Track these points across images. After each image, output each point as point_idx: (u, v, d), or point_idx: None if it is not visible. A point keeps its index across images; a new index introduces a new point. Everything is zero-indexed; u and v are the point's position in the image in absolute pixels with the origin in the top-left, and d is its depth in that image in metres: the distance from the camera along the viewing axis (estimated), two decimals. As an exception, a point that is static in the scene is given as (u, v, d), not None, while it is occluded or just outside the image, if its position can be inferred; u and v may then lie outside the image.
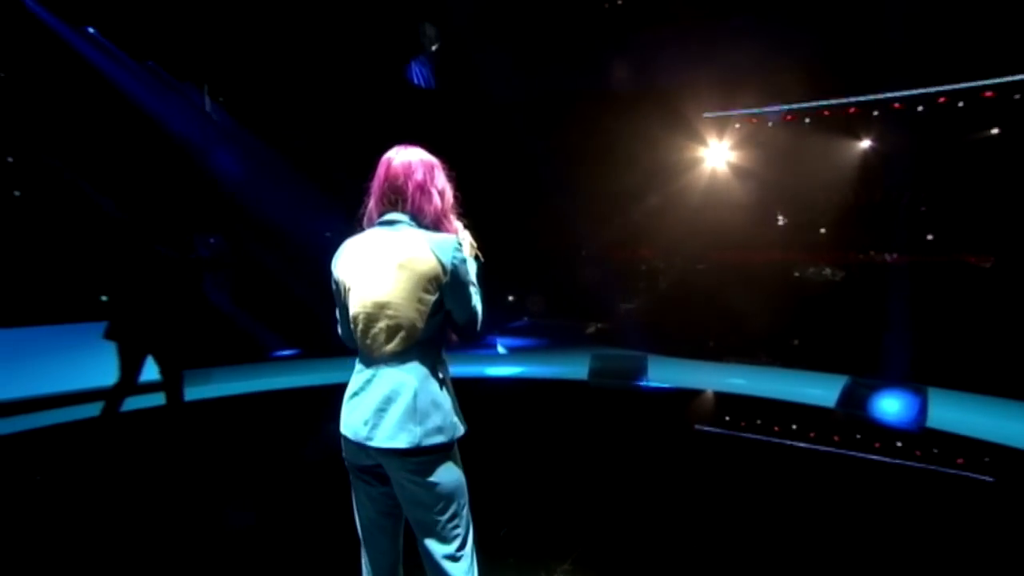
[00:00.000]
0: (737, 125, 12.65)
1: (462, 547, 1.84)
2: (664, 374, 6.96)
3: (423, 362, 1.79)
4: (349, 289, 1.83)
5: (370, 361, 1.82)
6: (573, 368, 7.23)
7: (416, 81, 11.47)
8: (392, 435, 1.74)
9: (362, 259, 1.82)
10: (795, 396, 6.21)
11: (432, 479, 1.78)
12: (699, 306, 10.82)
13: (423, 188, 1.84)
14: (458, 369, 6.93)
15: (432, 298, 1.77)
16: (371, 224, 1.87)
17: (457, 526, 1.83)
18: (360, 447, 1.81)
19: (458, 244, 1.82)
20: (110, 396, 4.21)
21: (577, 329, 11.04)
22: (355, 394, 1.84)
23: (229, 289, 10.36)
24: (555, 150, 11.20)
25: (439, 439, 1.76)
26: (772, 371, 7.77)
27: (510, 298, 13.38)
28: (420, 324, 1.77)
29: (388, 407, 1.75)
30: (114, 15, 7.93)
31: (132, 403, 4.47)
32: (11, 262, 6.88)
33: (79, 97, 7.66)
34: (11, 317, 6.54)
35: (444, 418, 1.78)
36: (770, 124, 11.36)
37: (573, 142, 11.42)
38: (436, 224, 1.87)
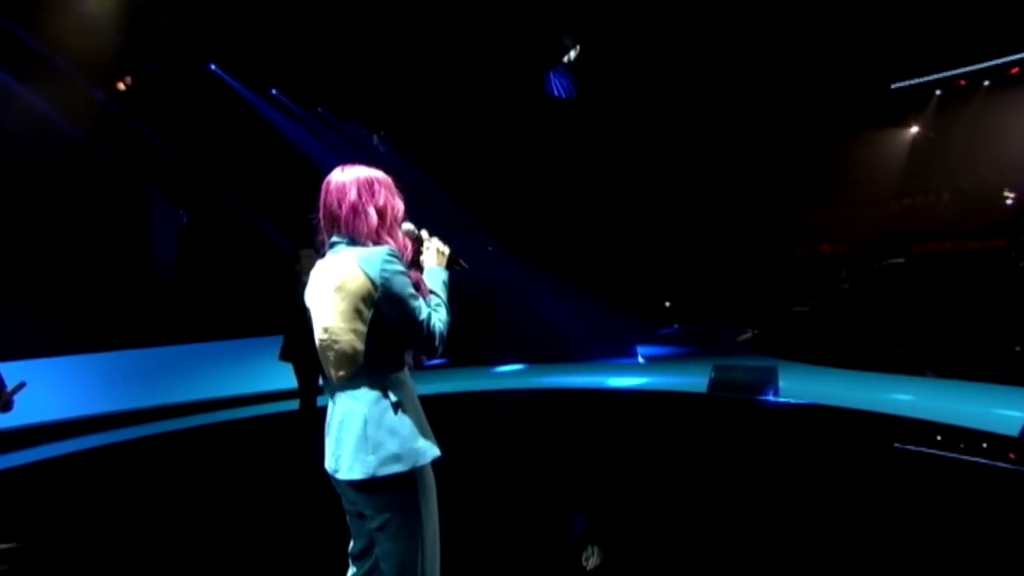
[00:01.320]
0: (938, 91, 10.69)
1: (407, 560, 1.72)
2: (816, 387, 6.12)
3: (372, 387, 1.71)
4: (312, 320, 1.86)
5: (331, 390, 1.81)
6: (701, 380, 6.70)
7: (556, 93, 11.62)
8: (350, 466, 1.67)
9: (313, 288, 1.83)
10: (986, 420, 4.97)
11: (388, 512, 1.69)
12: (890, 308, 9.28)
13: (355, 208, 1.76)
14: (578, 379, 6.93)
15: (369, 316, 1.69)
16: (324, 251, 1.85)
17: (416, 559, 1.71)
18: (334, 479, 1.79)
19: (388, 255, 1.71)
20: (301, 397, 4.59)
21: (733, 336, 10.13)
22: (327, 425, 1.81)
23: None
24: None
25: (396, 468, 1.66)
26: (956, 385, 6.33)
27: (666, 304, 12.77)
28: (360, 346, 1.70)
29: (343, 436, 1.71)
30: (288, 75, 9.38)
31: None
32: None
33: (255, 145, 9.19)
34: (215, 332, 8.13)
35: (401, 444, 1.67)
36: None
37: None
38: (375, 242, 1.77)
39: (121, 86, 8.38)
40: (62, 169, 7.41)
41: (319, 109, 10.43)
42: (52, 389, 6.44)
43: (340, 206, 1.77)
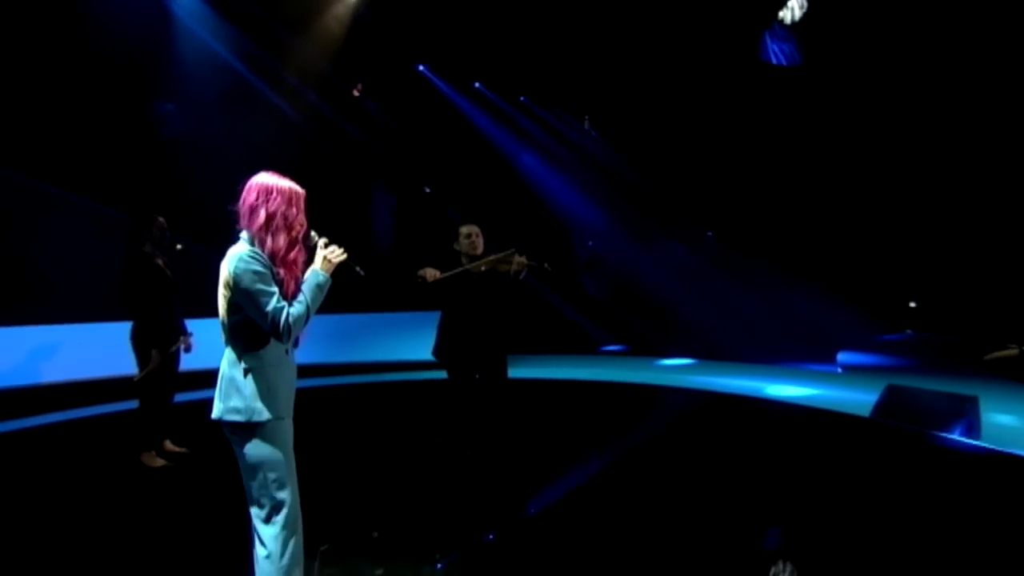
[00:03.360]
0: None
1: (273, 515, 2.12)
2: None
3: (233, 351, 2.12)
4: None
5: None
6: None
7: (775, 60, 10.31)
8: (213, 407, 2.12)
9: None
10: None
11: (240, 450, 2.11)
12: None
13: (252, 208, 2.11)
14: (736, 383, 6.33)
15: (229, 298, 2.08)
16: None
17: (265, 495, 2.11)
18: None
19: (247, 255, 2.05)
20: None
21: (985, 351, 7.97)
22: None
23: (606, 286, 11.69)
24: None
25: (236, 417, 2.07)
26: None
27: (911, 304, 10.55)
28: (225, 320, 2.12)
29: (217, 385, 2.14)
30: (491, 67, 10.08)
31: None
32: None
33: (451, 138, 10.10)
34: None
35: (243, 401, 2.07)
36: None
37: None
38: (259, 240, 2.11)
39: (355, 92, 10.03)
40: (307, 165, 9.30)
41: (521, 99, 11.01)
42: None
43: (243, 203, 2.14)
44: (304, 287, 2.15)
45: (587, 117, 11.58)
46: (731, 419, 5.85)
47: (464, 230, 4.08)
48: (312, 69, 8.86)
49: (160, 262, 4.31)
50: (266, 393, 2.09)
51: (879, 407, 5.15)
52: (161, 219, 4.36)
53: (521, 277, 3.94)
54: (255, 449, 2.09)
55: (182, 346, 4.49)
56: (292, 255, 2.16)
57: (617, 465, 4.34)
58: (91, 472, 4.31)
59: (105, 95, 7.76)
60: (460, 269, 3.88)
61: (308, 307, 2.12)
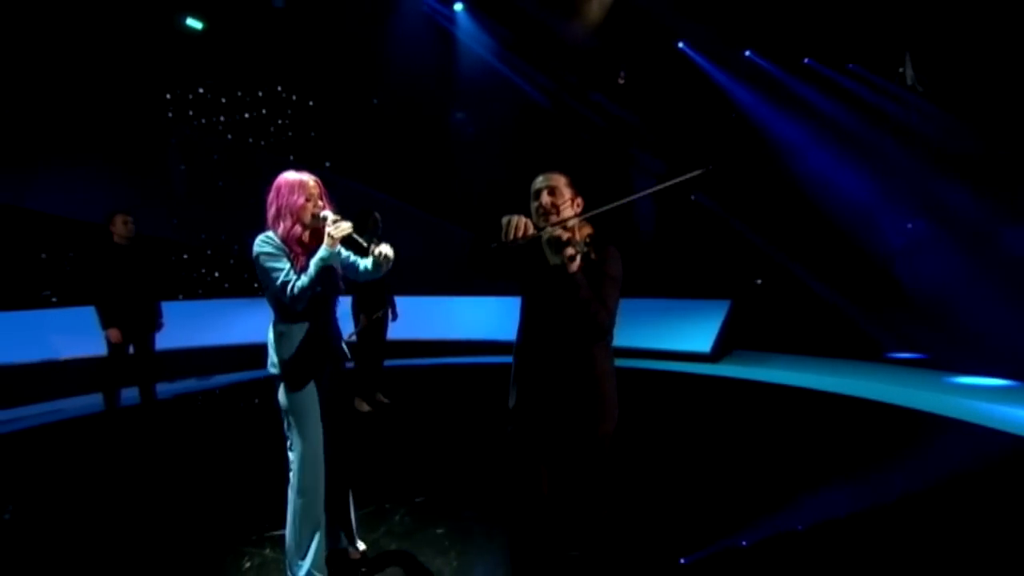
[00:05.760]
0: None
1: (292, 451, 2.62)
2: None
3: (273, 320, 2.62)
4: None
5: None
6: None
7: None
8: None
9: None
10: None
11: (276, 396, 2.61)
12: None
13: (267, 204, 2.61)
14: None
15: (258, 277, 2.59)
16: None
17: (291, 435, 2.61)
18: None
19: (261, 240, 2.53)
20: None
21: None
22: None
23: (925, 279, 9.51)
24: None
25: (272, 370, 2.60)
26: None
27: None
28: (263, 295, 2.65)
29: None
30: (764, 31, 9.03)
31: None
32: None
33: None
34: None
35: (278, 358, 2.57)
36: None
37: None
38: (274, 228, 2.56)
39: (620, 80, 10.18)
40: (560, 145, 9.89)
41: (806, 61, 9.49)
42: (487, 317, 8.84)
43: (265, 199, 2.70)
44: (311, 261, 2.50)
45: (908, 60, 9.24)
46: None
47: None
48: (576, 59, 9.41)
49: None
50: (298, 355, 2.55)
51: None
52: (376, 214, 5.35)
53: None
54: (282, 397, 2.60)
55: (389, 317, 5.52)
56: (300, 235, 2.57)
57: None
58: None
59: (406, 109, 9.78)
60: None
61: (311, 278, 2.47)
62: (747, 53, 9.41)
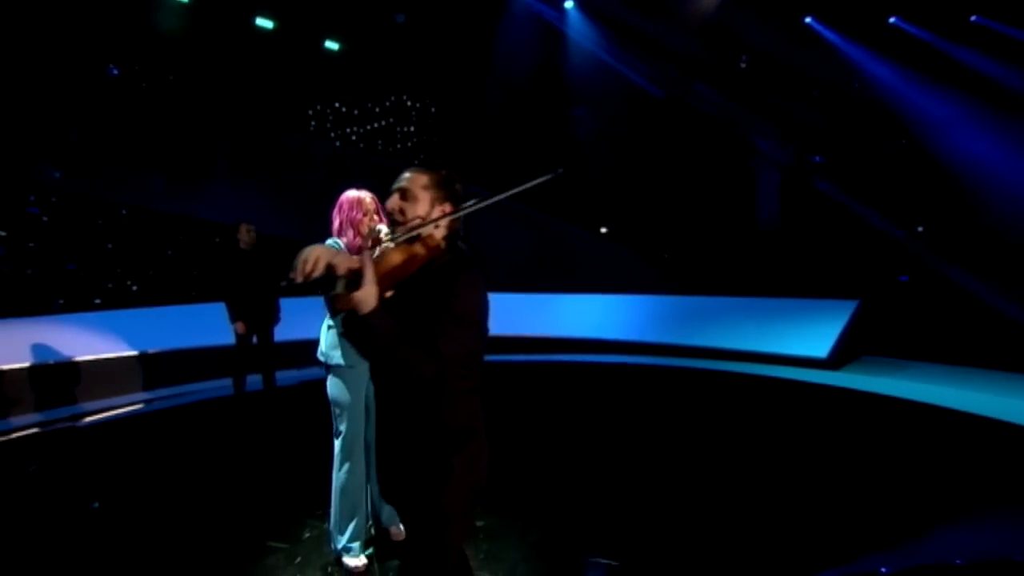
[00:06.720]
0: None
1: (336, 438, 2.96)
2: None
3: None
4: None
5: None
6: None
7: None
8: None
9: None
10: None
11: (325, 385, 2.98)
12: None
13: (332, 219, 2.99)
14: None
15: None
16: None
17: (335, 421, 2.95)
18: None
19: (331, 242, 2.91)
20: None
21: None
22: None
23: None
24: None
25: (321, 359, 2.96)
26: None
27: None
28: None
29: None
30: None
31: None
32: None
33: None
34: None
35: (325, 348, 2.94)
36: None
37: None
38: (339, 235, 2.96)
39: (742, 65, 9.56)
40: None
41: (972, 18, 8.18)
42: (638, 317, 8.76)
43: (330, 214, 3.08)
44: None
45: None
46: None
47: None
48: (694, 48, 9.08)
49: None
50: (339, 345, 2.89)
51: None
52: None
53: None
54: (328, 385, 2.94)
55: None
56: (360, 245, 2.86)
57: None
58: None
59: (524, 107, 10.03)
60: None
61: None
62: (892, 20, 8.35)
